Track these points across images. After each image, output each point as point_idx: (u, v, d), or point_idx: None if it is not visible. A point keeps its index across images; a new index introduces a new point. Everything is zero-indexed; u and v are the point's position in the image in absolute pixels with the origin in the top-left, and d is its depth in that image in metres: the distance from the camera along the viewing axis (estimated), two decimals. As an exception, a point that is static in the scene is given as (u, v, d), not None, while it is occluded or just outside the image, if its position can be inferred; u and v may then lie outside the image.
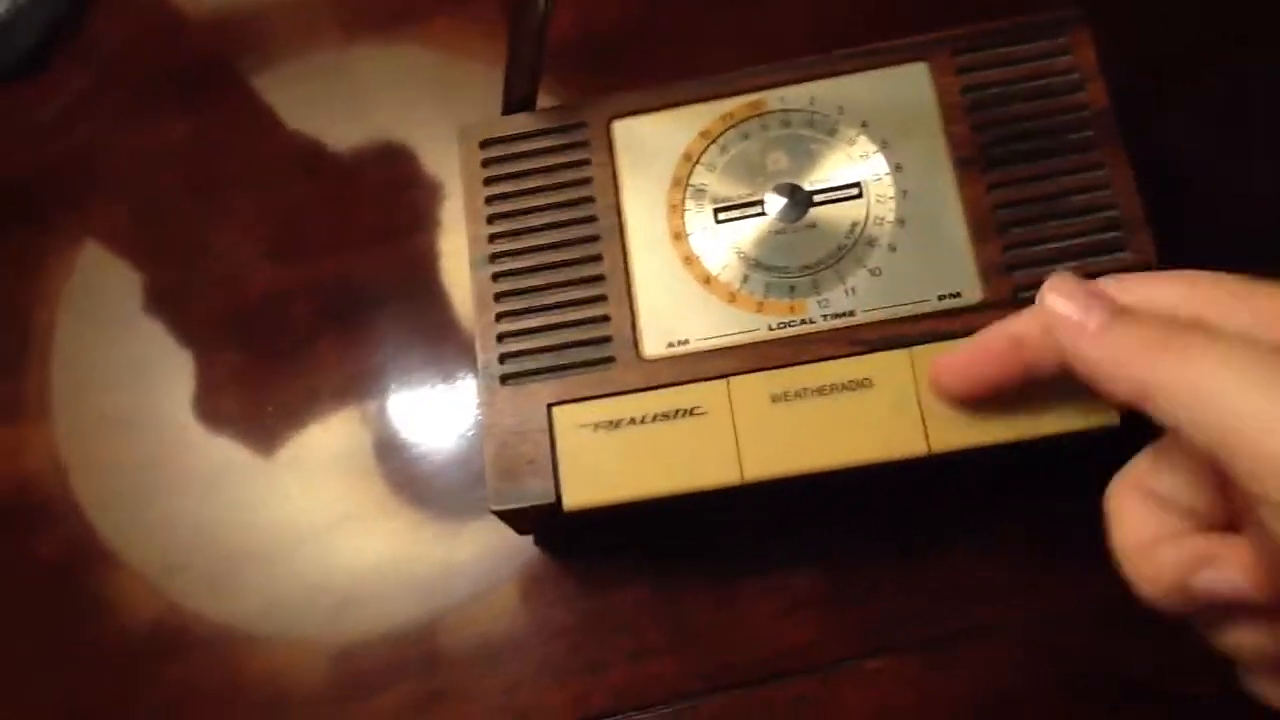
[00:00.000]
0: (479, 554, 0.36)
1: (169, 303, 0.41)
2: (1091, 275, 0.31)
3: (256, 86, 0.44)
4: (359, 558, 0.37)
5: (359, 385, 0.39)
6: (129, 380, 0.40)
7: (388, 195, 0.41)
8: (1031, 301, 0.28)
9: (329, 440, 0.39)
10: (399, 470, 0.38)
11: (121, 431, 0.39)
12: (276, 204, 0.42)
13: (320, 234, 0.41)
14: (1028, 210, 0.32)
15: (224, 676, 0.36)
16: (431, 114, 0.42)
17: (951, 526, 0.34)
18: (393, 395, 0.39)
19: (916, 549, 0.34)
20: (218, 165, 0.43)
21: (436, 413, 0.38)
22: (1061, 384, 0.30)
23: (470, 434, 0.38)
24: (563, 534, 0.36)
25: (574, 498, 0.32)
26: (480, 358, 0.33)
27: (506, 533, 0.35)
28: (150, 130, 0.44)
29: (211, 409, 0.39)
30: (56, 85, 0.45)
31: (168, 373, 0.40)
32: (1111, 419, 0.30)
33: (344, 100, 0.43)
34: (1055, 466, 0.33)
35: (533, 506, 0.32)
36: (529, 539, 0.36)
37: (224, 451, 0.39)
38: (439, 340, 0.39)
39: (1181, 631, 0.25)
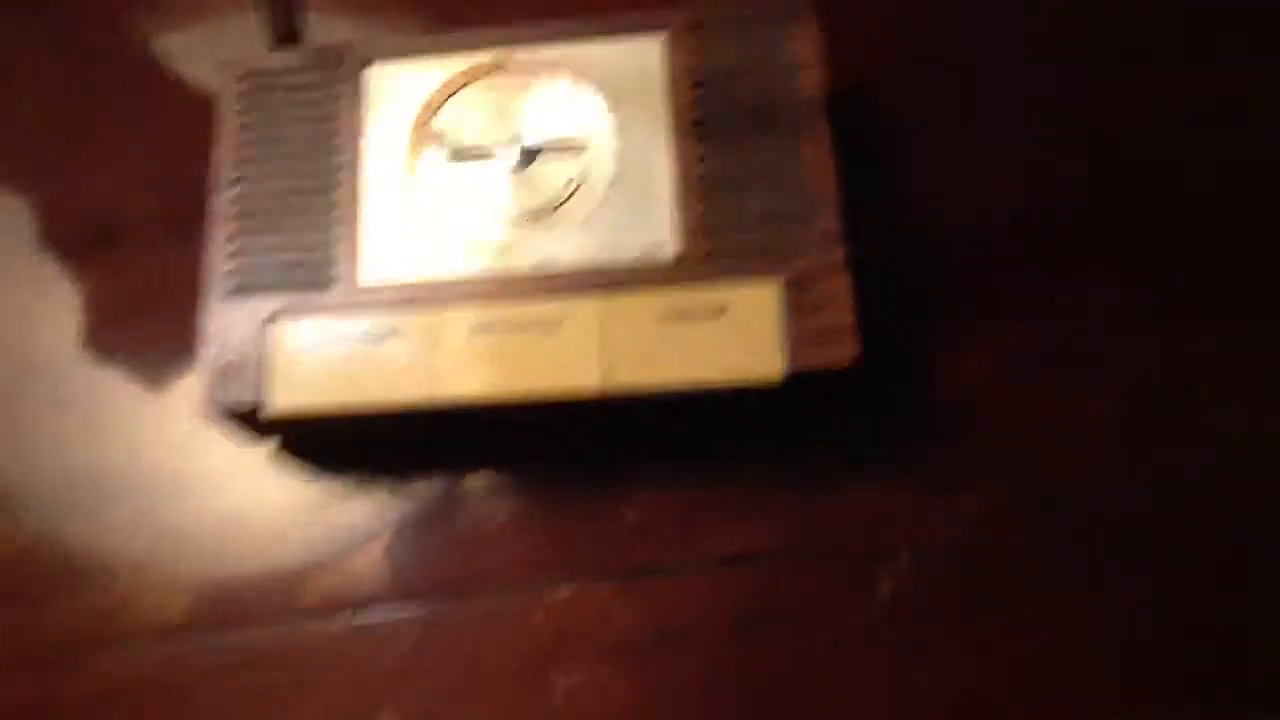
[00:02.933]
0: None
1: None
2: (778, 248, 0.33)
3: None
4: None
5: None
6: None
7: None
8: (722, 262, 0.31)
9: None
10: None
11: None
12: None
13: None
14: (731, 180, 0.35)
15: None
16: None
17: (636, 471, 0.36)
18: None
19: (614, 488, 0.36)
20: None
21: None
22: (728, 338, 0.33)
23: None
24: (292, 441, 0.38)
25: (279, 404, 0.34)
26: (209, 270, 0.35)
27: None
28: None
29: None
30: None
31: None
32: (774, 373, 0.33)
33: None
34: (724, 425, 0.35)
35: (240, 413, 0.34)
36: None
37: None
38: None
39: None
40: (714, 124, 0.35)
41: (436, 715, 0.35)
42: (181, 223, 0.38)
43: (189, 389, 0.38)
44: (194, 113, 0.39)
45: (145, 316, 0.39)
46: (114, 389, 0.39)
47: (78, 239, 0.41)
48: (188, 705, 0.35)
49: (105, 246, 0.41)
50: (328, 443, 0.37)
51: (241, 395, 0.34)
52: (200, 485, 0.38)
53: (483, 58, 0.37)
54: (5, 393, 0.40)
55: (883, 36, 0.40)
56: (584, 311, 0.34)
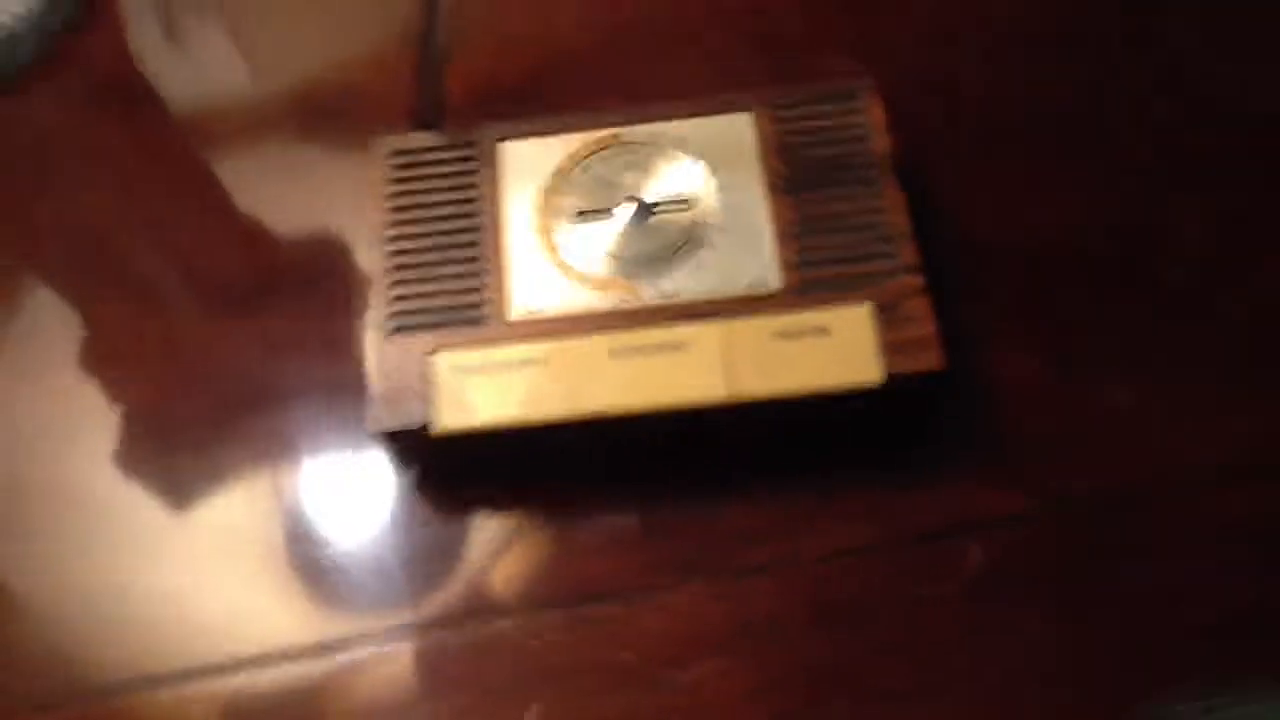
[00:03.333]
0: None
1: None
2: (865, 276, 0.40)
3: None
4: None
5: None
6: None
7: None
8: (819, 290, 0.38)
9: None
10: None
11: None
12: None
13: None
14: (820, 224, 0.41)
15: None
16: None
17: (745, 480, 0.41)
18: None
19: (722, 495, 0.41)
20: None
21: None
22: (831, 352, 0.38)
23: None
24: (432, 465, 0.42)
25: (442, 424, 0.39)
26: (374, 315, 0.41)
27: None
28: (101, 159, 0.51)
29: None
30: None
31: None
32: (876, 377, 0.38)
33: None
34: (832, 431, 0.41)
35: (408, 431, 0.39)
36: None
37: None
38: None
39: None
40: (800, 182, 0.42)
41: (575, 712, 0.39)
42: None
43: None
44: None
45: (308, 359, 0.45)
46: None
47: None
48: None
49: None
50: (468, 465, 0.42)
51: (410, 417, 0.39)
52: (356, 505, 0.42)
53: (599, 134, 0.43)
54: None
55: (932, 105, 0.48)
56: (706, 334, 0.39)
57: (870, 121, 0.43)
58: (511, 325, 0.40)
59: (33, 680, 0.40)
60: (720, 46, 0.50)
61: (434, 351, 0.40)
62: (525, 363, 0.39)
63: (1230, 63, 0.48)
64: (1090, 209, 0.45)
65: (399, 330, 0.40)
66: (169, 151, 0.51)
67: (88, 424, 0.45)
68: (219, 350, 0.46)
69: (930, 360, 0.39)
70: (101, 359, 0.46)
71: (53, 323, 0.48)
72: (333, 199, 0.48)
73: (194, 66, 0.54)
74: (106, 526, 0.43)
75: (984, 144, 0.47)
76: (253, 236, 0.48)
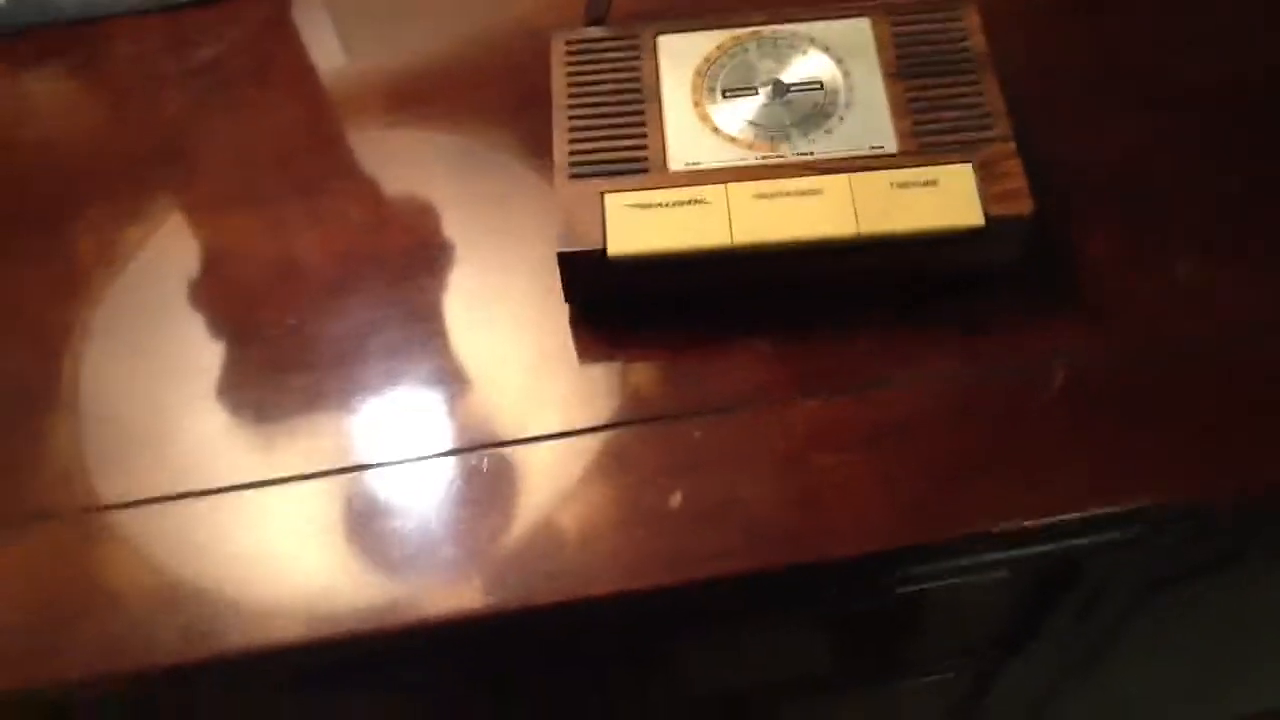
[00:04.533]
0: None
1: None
2: (968, 144, 0.48)
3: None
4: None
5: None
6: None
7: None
8: (929, 152, 0.46)
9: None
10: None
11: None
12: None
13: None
14: (929, 103, 0.49)
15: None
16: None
17: (868, 308, 0.49)
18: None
19: (847, 324, 0.49)
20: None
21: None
22: (941, 200, 0.46)
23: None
24: (597, 296, 0.50)
25: (616, 247, 0.46)
26: (557, 161, 0.49)
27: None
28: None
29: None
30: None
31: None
32: (978, 220, 0.46)
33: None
34: (942, 271, 0.49)
35: (586, 253, 0.47)
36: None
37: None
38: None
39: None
40: (911, 70, 0.50)
41: (723, 497, 0.46)
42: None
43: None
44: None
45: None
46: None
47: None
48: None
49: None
50: (633, 293, 0.49)
51: (590, 242, 0.47)
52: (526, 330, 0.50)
53: (742, 30, 0.52)
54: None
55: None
56: (837, 184, 0.47)
57: (969, 26, 0.51)
58: (672, 174, 0.48)
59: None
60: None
61: (607, 192, 0.48)
62: (683, 203, 0.47)
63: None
64: (1170, 118, 0.54)
65: (578, 175, 0.48)
66: (349, 63, 0.60)
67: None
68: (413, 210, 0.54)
69: (1022, 206, 0.46)
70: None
71: (183, 255, 0.54)
72: (519, 90, 0.56)
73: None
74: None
75: (1072, 53, 0.56)
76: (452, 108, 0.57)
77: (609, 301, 0.50)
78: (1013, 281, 0.49)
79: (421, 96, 0.58)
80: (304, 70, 0.59)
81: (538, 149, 0.53)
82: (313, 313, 0.51)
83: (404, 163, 0.56)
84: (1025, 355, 0.48)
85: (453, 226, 0.53)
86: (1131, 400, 0.47)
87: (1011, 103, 0.49)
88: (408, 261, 0.52)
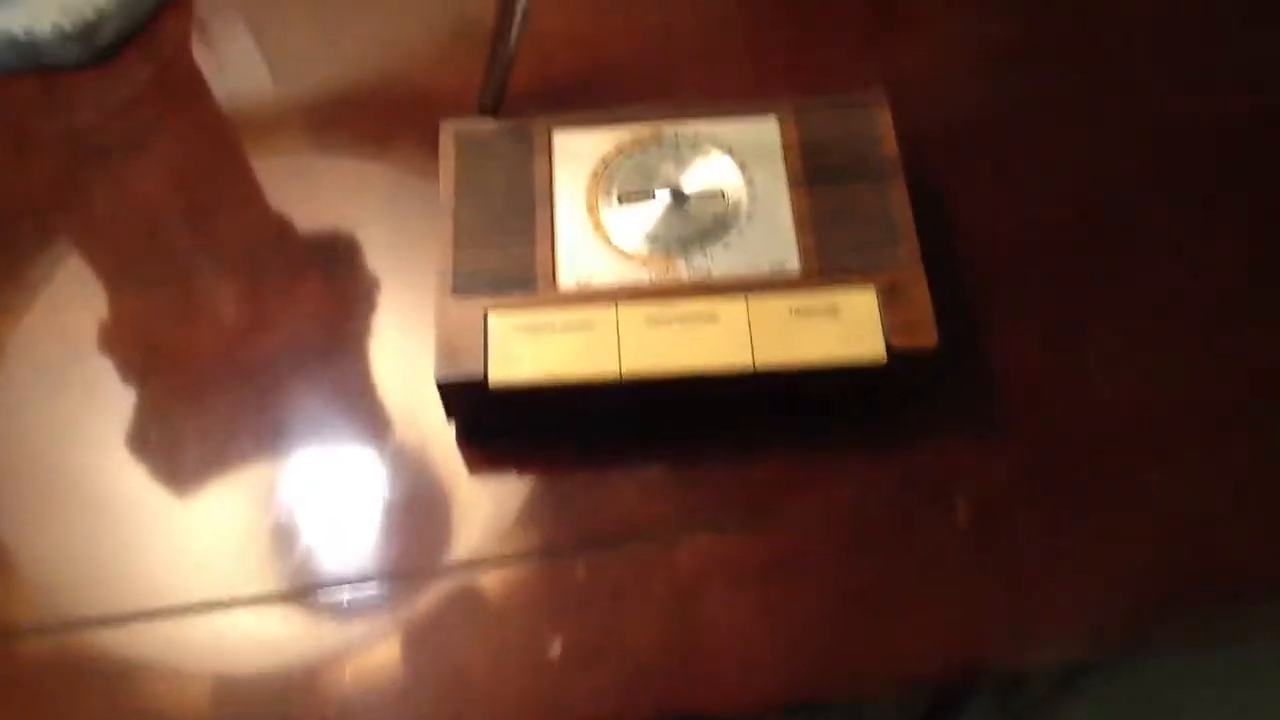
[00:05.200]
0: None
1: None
2: (872, 264, 0.45)
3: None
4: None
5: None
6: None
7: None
8: (831, 274, 0.44)
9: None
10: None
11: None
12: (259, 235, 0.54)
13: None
14: (834, 216, 0.47)
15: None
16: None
17: (765, 437, 0.47)
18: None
19: (742, 450, 0.47)
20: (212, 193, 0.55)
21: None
22: (842, 329, 0.44)
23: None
24: (479, 418, 0.47)
25: (497, 376, 0.44)
26: (440, 273, 0.46)
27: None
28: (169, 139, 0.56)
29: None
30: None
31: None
32: (879, 354, 0.44)
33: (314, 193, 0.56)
34: (842, 396, 0.47)
35: (466, 382, 0.44)
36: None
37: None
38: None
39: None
40: (818, 178, 0.48)
41: (604, 640, 0.44)
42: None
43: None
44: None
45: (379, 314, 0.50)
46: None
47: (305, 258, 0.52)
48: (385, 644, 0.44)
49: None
50: (516, 418, 0.47)
51: (468, 370, 0.44)
52: (404, 451, 0.48)
53: (643, 127, 0.49)
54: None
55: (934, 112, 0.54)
56: (734, 310, 0.45)
57: (880, 127, 0.48)
58: (560, 293, 0.46)
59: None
60: (750, 62, 0.56)
61: (491, 312, 0.45)
62: (571, 326, 0.45)
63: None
64: (1076, 204, 0.52)
65: (460, 290, 0.46)
66: (227, 138, 0.56)
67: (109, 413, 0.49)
68: (288, 307, 0.51)
69: (925, 338, 0.44)
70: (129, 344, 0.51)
71: (80, 308, 0.52)
72: (400, 180, 0.53)
73: (260, 61, 0.59)
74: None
75: (980, 148, 0.53)
76: (324, 210, 0.54)
77: (492, 424, 0.47)
78: (917, 401, 0.47)
79: (339, 139, 0.55)
80: (182, 139, 0.56)
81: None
82: (176, 418, 0.48)
83: (287, 247, 0.53)
84: (929, 481, 0.46)
85: (331, 320, 0.51)
86: (1041, 531, 0.45)
87: (922, 205, 0.47)
88: (276, 366, 0.50)
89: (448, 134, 0.49)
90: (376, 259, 0.52)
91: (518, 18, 0.46)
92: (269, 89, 0.58)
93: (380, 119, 0.56)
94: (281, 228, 0.53)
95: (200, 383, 0.49)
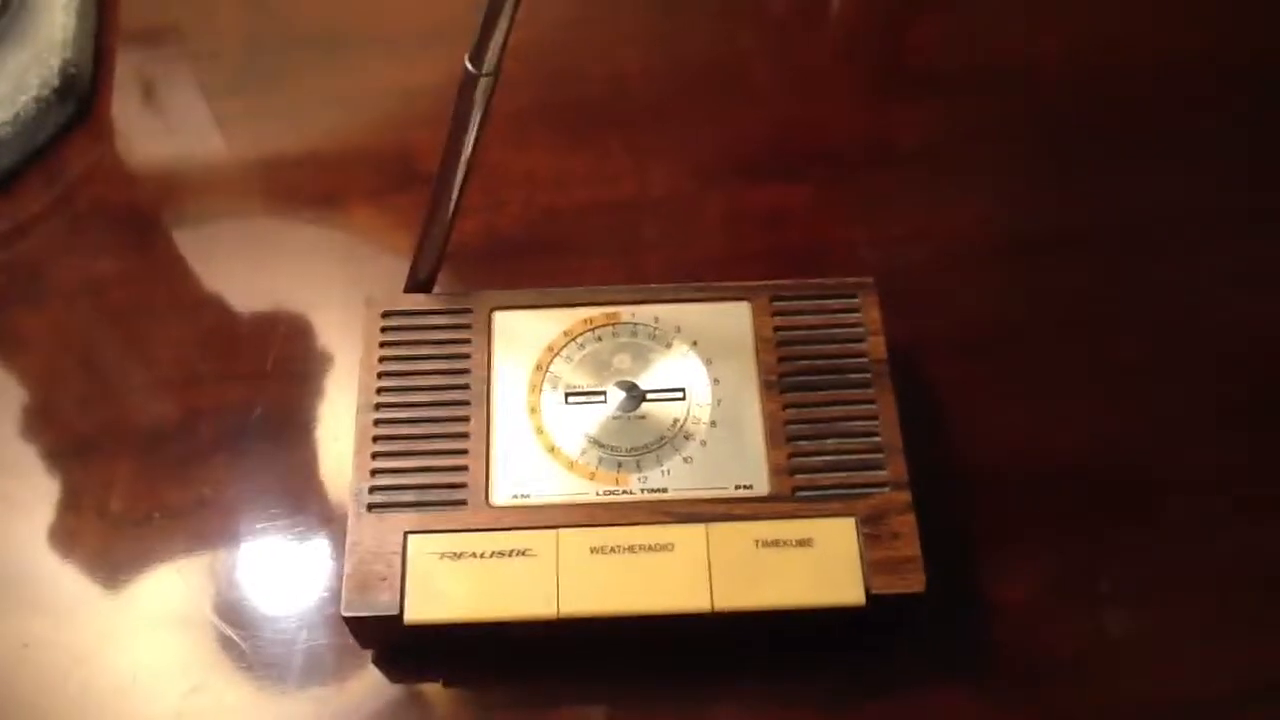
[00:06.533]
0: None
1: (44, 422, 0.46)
2: (855, 488, 0.39)
3: (182, 238, 0.51)
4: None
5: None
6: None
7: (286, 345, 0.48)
8: (805, 498, 0.37)
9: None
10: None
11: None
12: (183, 338, 0.48)
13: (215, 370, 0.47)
14: (812, 428, 0.41)
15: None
16: (340, 288, 0.49)
17: (729, 682, 0.41)
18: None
19: (700, 697, 0.40)
20: (138, 300, 0.49)
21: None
22: (815, 565, 0.38)
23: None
24: (397, 650, 0.41)
25: (415, 613, 0.38)
26: (353, 487, 0.40)
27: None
28: (85, 259, 0.50)
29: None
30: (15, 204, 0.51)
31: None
32: (858, 599, 0.38)
33: (262, 264, 0.50)
34: (815, 639, 0.40)
35: (378, 617, 0.38)
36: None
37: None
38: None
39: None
40: (794, 380, 0.42)
41: None
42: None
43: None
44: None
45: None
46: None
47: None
48: None
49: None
50: (436, 649, 0.41)
51: (382, 605, 0.38)
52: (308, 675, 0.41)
53: (596, 311, 0.43)
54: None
55: (931, 309, 0.48)
56: (692, 539, 0.39)
57: (868, 323, 0.43)
58: (494, 510, 0.39)
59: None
60: (727, 234, 0.50)
61: (412, 533, 0.39)
62: (504, 554, 0.39)
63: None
64: (1090, 425, 0.46)
65: (377, 507, 0.39)
66: (157, 271, 0.50)
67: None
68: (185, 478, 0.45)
69: (912, 582, 0.38)
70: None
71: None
72: (329, 339, 0.48)
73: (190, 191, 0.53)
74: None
75: (980, 351, 0.47)
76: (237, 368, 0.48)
77: (410, 658, 0.41)
78: (900, 640, 0.41)
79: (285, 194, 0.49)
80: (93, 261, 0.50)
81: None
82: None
83: (193, 418, 0.46)
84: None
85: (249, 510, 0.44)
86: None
87: (911, 416, 0.41)
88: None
89: (373, 314, 0.43)
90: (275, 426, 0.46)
91: (455, 189, 0.40)
92: (218, 150, 0.53)
93: (333, 179, 0.51)
94: (183, 398, 0.47)
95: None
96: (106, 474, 0.45)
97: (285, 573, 0.43)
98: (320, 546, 0.44)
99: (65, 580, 0.43)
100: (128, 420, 0.46)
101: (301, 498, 0.44)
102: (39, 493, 0.45)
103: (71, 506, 0.44)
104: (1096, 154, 0.52)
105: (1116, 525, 0.44)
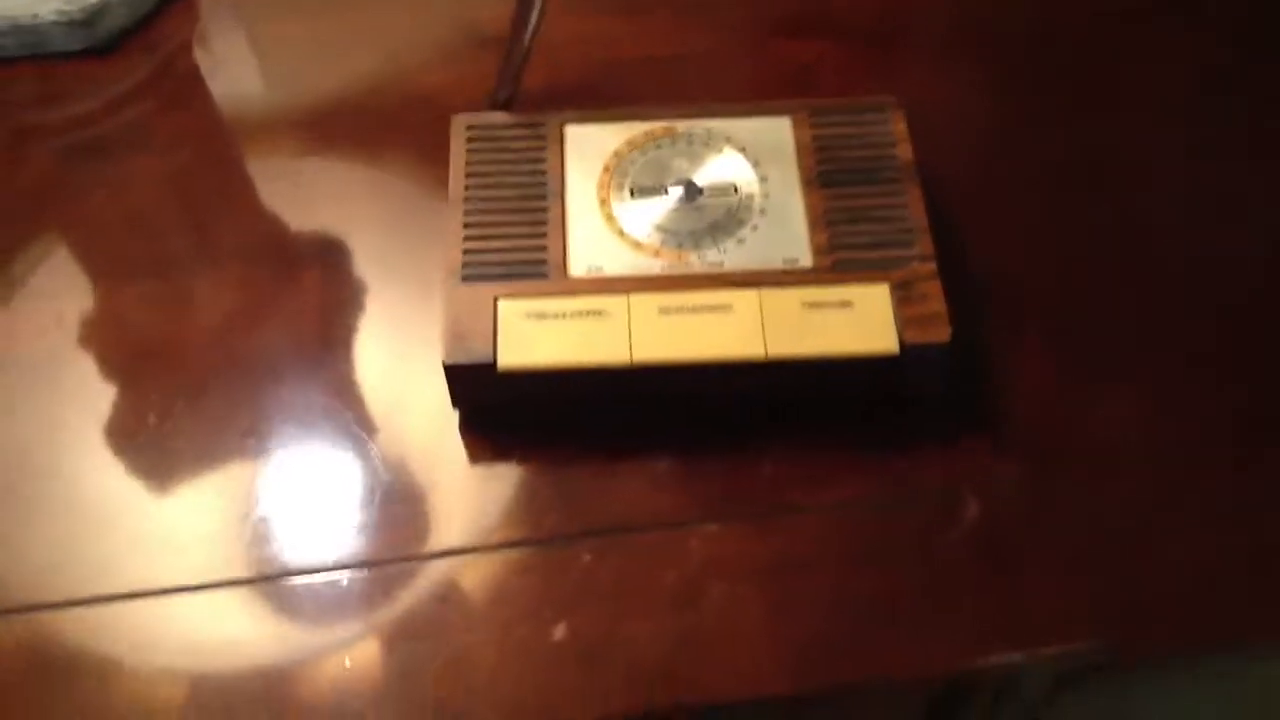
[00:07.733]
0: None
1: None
2: (886, 261, 0.45)
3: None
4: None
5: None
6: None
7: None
8: (845, 269, 0.44)
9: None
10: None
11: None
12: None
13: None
14: (849, 214, 0.47)
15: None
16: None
17: (772, 432, 0.46)
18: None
19: (752, 445, 0.46)
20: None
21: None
22: (855, 322, 0.44)
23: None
24: (483, 406, 0.46)
25: (507, 359, 0.43)
26: (448, 262, 0.45)
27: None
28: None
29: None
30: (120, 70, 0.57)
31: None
32: (892, 348, 0.43)
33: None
34: (854, 391, 0.46)
35: (474, 365, 0.43)
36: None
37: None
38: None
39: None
40: (832, 177, 0.47)
41: (608, 628, 0.43)
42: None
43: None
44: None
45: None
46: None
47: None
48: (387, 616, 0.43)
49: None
50: (525, 405, 0.46)
51: (478, 354, 0.43)
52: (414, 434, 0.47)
53: (656, 124, 0.49)
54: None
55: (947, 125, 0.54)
56: (746, 300, 0.44)
57: (895, 132, 0.49)
58: (572, 280, 0.45)
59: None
60: (764, 72, 0.57)
61: (502, 298, 0.44)
62: (582, 313, 0.44)
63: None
64: (1098, 225, 0.52)
65: (470, 278, 0.45)
66: (223, 138, 0.56)
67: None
68: (282, 304, 0.50)
69: (940, 333, 0.44)
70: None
71: (68, 302, 0.51)
72: (392, 183, 0.53)
73: (255, 63, 0.59)
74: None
75: (996, 165, 0.54)
76: (318, 210, 0.53)
77: (499, 410, 0.46)
78: (932, 402, 0.47)
79: (334, 142, 0.55)
80: (178, 137, 0.55)
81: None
82: (167, 410, 0.47)
83: (281, 246, 0.52)
84: (941, 485, 0.45)
85: (325, 316, 0.50)
86: (1047, 539, 0.44)
87: (938, 213, 0.47)
88: (270, 359, 0.49)
89: (459, 127, 0.49)
90: (371, 259, 0.51)
91: (536, 8, 0.46)
92: (264, 91, 0.58)
93: (375, 123, 0.56)
94: (275, 227, 0.53)
95: (192, 377, 0.48)
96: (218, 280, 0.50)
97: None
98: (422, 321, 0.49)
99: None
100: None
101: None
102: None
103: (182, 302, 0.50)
104: None
105: (1120, 310, 0.50)
